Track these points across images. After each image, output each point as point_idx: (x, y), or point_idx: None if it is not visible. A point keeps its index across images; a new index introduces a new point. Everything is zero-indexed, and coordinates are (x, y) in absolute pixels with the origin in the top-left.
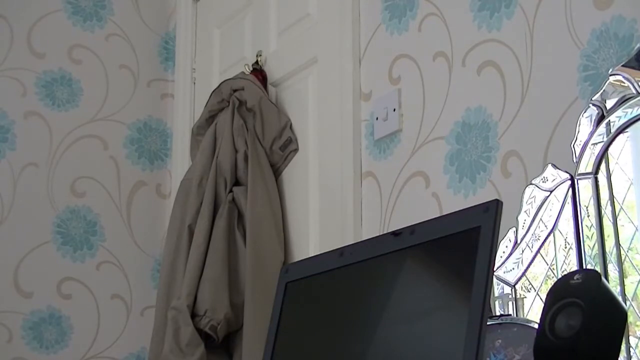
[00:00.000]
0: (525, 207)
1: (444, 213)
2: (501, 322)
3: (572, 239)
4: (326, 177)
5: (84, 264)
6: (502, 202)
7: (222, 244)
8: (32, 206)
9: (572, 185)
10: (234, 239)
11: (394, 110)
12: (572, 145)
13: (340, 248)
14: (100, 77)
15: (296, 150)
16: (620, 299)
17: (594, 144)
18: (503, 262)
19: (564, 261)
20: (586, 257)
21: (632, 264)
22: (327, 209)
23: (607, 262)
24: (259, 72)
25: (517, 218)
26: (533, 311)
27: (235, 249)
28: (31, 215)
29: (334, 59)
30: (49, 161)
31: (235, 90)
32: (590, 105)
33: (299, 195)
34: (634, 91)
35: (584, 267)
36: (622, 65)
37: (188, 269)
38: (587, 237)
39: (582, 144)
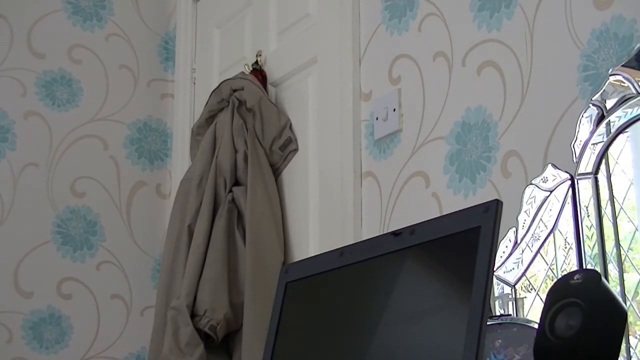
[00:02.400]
0: (525, 207)
1: (444, 213)
2: (501, 322)
3: (572, 239)
4: (326, 177)
5: (84, 264)
6: (502, 202)
7: (222, 244)
8: (32, 206)
9: (572, 185)
10: (233, 239)
11: (394, 110)
12: (572, 145)
13: (340, 248)
14: (100, 77)
15: (296, 150)
16: (620, 299)
17: (594, 144)
18: (503, 262)
19: (564, 261)
20: (586, 257)
21: (632, 264)
22: (327, 209)
23: (607, 262)
24: (258, 72)
25: (517, 218)
26: (533, 311)
27: (234, 249)
28: (31, 215)
29: (333, 59)
30: (49, 161)
31: (235, 90)
32: (590, 105)
33: (299, 195)
34: (634, 91)
35: (584, 267)
36: (622, 65)
37: (188, 269)
38: (587, 237)
39: (582, 144)
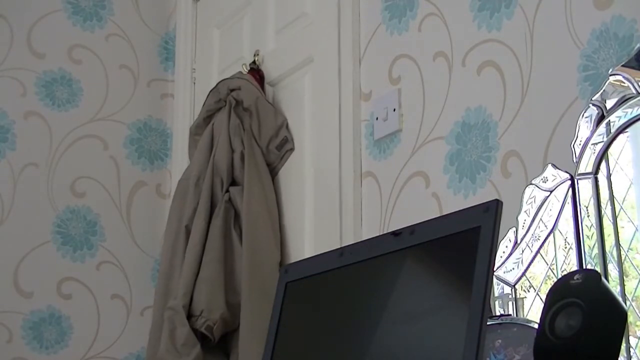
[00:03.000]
0: (525, 207)
1: (444, 213)
2: (501, 322)
3: (572, 239)
4: (322, 176)
5: (84, 264)
6: (502, 202)
7: (219, 244)
8: (32, 206)
9: (572, 185)
10: (230, 238)
11: (394, 110)
12: (572, 145)
13: (340, 248)
14: (100, 77)
15: (292, 149)
16: (620, 299)
17: (594, 144)
18: (503, 262)
19: (564, 261)
20: (586, 257)
21: (632, 264)
22: (323, 209)
23: (607, 262)
24: (256, 72)
25: (517, 218)
26: (533, 311)
27: (231, 248)
28: (31, 215)
29: (330, 58)
30: (49, 161)
31: (232, 90)
32: (590, 105)
33: (295, 194)
34: (634, 91)
35: (584, 267)
36: (622, 65)
37: (184, 268)
38: (587, 237)
39: (582, 144)
